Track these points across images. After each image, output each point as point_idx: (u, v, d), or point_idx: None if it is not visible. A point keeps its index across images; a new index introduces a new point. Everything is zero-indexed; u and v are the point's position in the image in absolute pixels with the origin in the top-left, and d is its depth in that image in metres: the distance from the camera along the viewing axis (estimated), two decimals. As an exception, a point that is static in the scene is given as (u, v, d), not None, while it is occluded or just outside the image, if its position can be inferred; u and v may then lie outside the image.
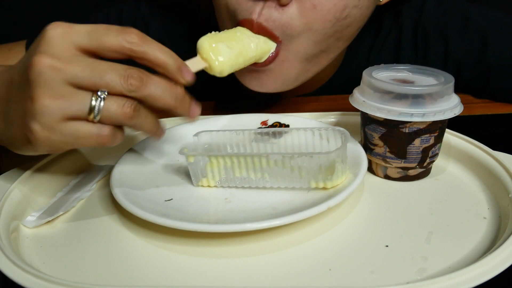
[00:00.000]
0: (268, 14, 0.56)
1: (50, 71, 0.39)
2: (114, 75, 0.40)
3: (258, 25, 0.56)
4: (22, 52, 0.79)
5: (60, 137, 0.41)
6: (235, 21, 0.59)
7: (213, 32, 0.53)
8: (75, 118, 0.41)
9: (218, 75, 0.51)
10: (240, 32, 0.56)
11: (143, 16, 0.80)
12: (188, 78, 0.44)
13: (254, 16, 0.56)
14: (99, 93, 0.40)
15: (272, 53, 0.59)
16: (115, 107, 0.41)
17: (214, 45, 0.50)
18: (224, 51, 0.51)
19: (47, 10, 1.19)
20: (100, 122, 0.41)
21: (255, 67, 0.60)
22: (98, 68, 0.40)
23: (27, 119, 0.41)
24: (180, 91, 0.43)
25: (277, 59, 0.60)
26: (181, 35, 0.80)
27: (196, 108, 0.45)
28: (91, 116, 0.41)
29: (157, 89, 0.42)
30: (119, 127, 0.43)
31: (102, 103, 0.40)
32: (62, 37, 0.41)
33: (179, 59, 0.44)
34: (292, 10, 0.57)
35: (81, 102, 0.40)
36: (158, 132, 0.46)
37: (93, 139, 0.42)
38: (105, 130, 0.42)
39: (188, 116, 0.45)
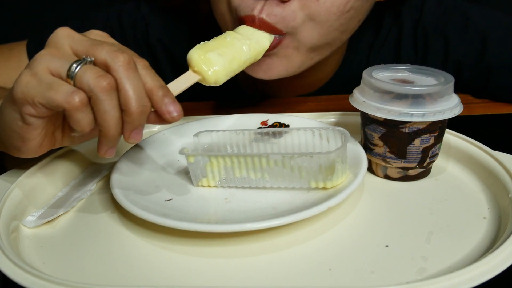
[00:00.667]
0: (270, 10, 0.57)
1: (63, 33, 0.43)
2: (108, 47, 0.42)
3: (260, 20, 0.57)
4: (23, 52, 0.78)
5: (37, 84, 0.41)
6: (237, 18, 0.60)
7: (202, 43, 0.52)
8: (58, 75, 0.42)
9: (213, 85, 0.51)
10: (230, 37, 0.55)
11: (144, 16, 0.80)
12: (175, 114, 0.44)
13: (256, 12, 0.57)
14: (84, 57, 0.42)
15: (276, 38, 0.59)
16: (93, 72, 0.40)
17: (203, 56, 0.50)
18: (216, 60, 0.50)
19: (47, 10, 1.19)
20: (76, 85, 0.41)
21: None
22: (96, 42, 0.42)
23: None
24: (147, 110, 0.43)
25: (282, 44, 0.60)
26: (181, 35, 0.80)
27: (137, 136, 0.43)
28: (69, 72, 0.41)
29: (133, 80, 0.41)
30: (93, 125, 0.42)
31: (79, 66, 0.41)
32: (67, 37, 0.43)
33: (165, 92, 0.43)
34: (294, 4, 0.57)
35: (67, 60, 0.42)
36: (110, 136, 0.42)
37: (62, 95, 0.40)
38: (77, 93, 0.40)
39: (127, 138, 0.43)
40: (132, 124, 0.42)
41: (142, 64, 0.43)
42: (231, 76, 0.53)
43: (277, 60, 0.62)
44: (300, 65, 0.64)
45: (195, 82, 0.49)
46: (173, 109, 0.43)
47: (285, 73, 0.64)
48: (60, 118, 0.47)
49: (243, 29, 0.57)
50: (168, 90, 0.44)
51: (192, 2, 0.78)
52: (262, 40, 0.57)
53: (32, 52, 0.78)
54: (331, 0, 0.57)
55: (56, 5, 1.19)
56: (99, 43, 0.42)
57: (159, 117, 0.44)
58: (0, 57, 0.78)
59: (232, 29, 0.61)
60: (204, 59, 0.49)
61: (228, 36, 0.55)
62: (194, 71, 0.49)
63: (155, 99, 0.43)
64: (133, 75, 0.41)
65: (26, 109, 0.42)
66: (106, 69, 0.41)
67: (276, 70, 0.63)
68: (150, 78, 0.43)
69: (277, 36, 0.59)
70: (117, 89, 0.41)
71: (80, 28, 0.80)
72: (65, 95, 0.40)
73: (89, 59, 0.42)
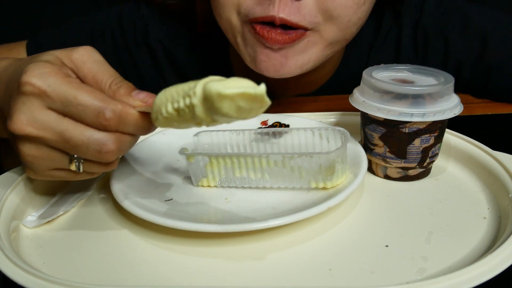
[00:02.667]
0: (287, 9, 0.57)
1: (27, 139, 0.40)
2: (88, 151, 0.40)
3: (280, 19, 0.57)
4: (22, 53, 0.78)
5: (51, 178, 0.44)
6: (247, 22, 0.60)
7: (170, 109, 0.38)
8: (61, 169, 0.43)
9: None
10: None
11: (143, 17, 0.80)
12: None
13: (274, 12, 0.57)
14: (75, 161, 0.42)
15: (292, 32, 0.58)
16: (96, 165, 0.43)
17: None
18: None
19: (47, 10, 1.19)
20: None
21: (279, 45, 0.59)
22: (71, 140, 0.40)
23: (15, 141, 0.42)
24: None
25: (303, 38, 0.60)
26: (181, 36, 0.80)
27: None
28: (75, 171, 0.43)
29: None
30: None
31: (81, 164, 0.42)
32: (37, 98, 0.39)
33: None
34: (308, 1, 0.57)
35: (62, 161, 0.42)
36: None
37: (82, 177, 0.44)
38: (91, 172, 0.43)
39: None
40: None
41: (111, 122, 0.40)
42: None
43: (294, 53, 0.61)
44: (315, 61, 0.64)
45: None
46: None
47: (299, 70, 0.63)
48: None
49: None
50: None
51: (191, 4, 0.78)
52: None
53: (31, 53, 0.78)
54: None
55: (56, 5, 1.19)
56: (75, 147, 0.40)
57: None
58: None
59: (239, 33, 0.61)
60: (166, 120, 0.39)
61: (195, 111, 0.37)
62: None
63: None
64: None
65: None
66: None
67: (290, 67, 0.62)
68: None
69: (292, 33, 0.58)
70: None
71: (81, 27, 0.81)
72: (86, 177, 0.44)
73: (81, 159, 0.42)
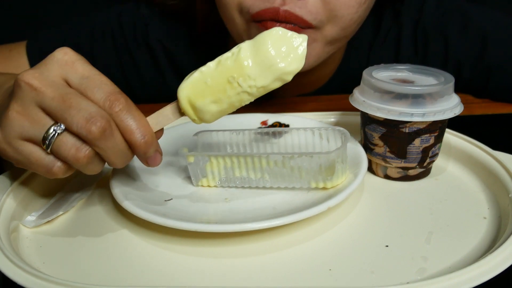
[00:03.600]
0: (291, 4, 0.57)
1: (27, 87, 0.39)
2: (78, 114, 0.38)
3: (284, 11, 0.57)
4: (22, 53, 0.78)
5: (14, 153, 0.41)
6: (249, 17, 0.59)
7: (198, 71, 0.42)
8: (32, 141, 0.40)
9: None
10: (229, 83, 0.42)
11: (143, 17, 0.80)
12: (153, 166, 0.43)
13: (278, 4, 0.57)
14: (55, 127, 0.39)
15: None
16: (68, 146, 0.39)
17: (192, 99, 0.42)
18: (207, 113, 0.43)
19: (47, 10, 1.19)
20: (53, 154, 0.40)
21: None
22: (68, 101, 0.39)
23: None
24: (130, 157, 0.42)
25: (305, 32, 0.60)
26: (181, 35, 0.80)
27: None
28: (44, 146, 0.40)
29: (112, 149, 0.40)
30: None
31: (55, 136, 0.39)
32: (61, 66, 0.40)
33: (151, 139, 0.41)
34: (313, 0, 0.57)
35: (40, 127, 0.40)
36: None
37: (43, 169, 0.41)
38: (56, 164, 0.40)
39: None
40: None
41: (121, 107, 0.40)
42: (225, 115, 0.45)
43: None
44: (316, 59, 0.64)
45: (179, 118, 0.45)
46: (152, 163, 0.43)
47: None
48: None
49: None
50: (150, 141, 0.41)
51: (190, 4, 0.78)
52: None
53: (31, 53, 0.78)
54: None
55: (56, 5, 1.19)
56: (67, 108, 0.39)
57: None
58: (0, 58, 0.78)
59: (244, 33, 0.60)
60: (194, 107, 0.42)
61: (230, 77, 0.42)
62: (182, 109, 0.43)
63: (137, 153, 0.42)
64: (111, 142, 0.40)
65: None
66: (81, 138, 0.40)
67: None
68: (129, 131, 0.40)
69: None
70: (99, 151, 0.40)
71: (81, 27, 0.81)
72: (45, 169, 0.41)
73: (59, 130, 0.39)
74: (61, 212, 0.48)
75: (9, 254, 0.39)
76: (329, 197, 0.44)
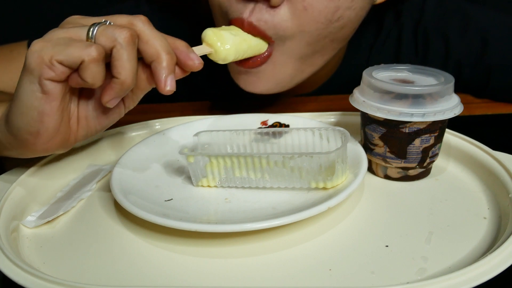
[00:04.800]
0: (259, 15, 0.57)
1: (69, 19, 0.47)
2: (122, 15, 0.46)
3: (249, 24, 0.57)
4: (23, 54, 0.78)
5: (54, 45, 0.42)
6: (227, 21, 0.60)
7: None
8: (77, 37, 0.43)
9: (221, 62, 0.53)
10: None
11: (143, 14, 0.80)
12: (197, 61, 0.46)
13: (245, 16, 0.57)
14: (103, 21, 0.44)
15: (264, 53, 0.59)
16: (115, 27, 0.43)
17: (217, 32, 0.53)
18: (228, 37, 0.53)
19: (47, 10, 1.19)
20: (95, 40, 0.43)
21: (246, 68, 0.60)
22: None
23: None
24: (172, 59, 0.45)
25: (269, 60, 0.60)
26: (181, 33, 0.80)
27: (172, 82, 0.45)
28: (88, 34, 0.43)
29: (158, 36, 0.44)
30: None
31: (99, 26, 0.43)
32: (76, 18, 0.47)
33: (185, 44, 0.47)
34: (283, 12, 0.57)
35: (85, 26, 0.44)
36: (127, 82, 0.44)
37: (80, 48, 0.41)
38: (95, 46, 0.42)
39: (163, 82, 0.45)
40: (165, 69, 0.44)
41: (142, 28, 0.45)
42: (238, 57, 0.55)
43: (265, 76, 0.62)
44: (290, 79, 0.64)
45: (207, 53, 0.52)
46: (195, 57, 0.46)
47: (275, 88, 0.64)
48: (75, 106, 0.47)
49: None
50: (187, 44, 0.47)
51: (191, 1, 0.78)
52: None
53: None
54: (318, 10, 0.56)
55: (56, 5, 1.19)
56: (114, 15, 0.45)
57: (179, 69, 0.47)
58: (0, 59, 0.78)
59: None
60: (218, 34, 0.53)
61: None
62: (207, 44, 0.52)
63: (177, 47, 0.46)
64: (155, 30, 0.45)
65: (44, 72, 0.42)
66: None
67: (264, 85, 0.63)
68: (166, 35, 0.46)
69: (265, 51, 0.59)
70: (142, 42, 0.44)
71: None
72: (84, 48, 0.41)
73: (109, 22, 0.44)
74: (61, 212, 0.48)
75: (9, 254, 0.39)
76: (329, 197, 0.44)
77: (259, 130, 0.54)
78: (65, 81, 0.43)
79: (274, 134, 0.55)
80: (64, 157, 0.55)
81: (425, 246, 0.42)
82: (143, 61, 0.45)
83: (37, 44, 0.43)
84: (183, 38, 0.80)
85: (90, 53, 0.41)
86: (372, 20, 0.75)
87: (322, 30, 0.59)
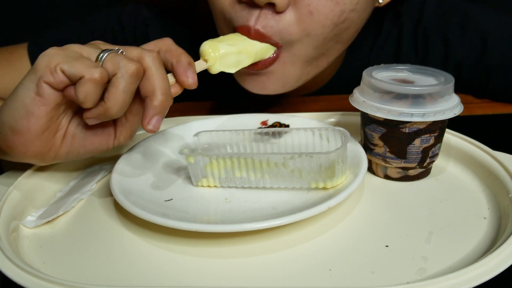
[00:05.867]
0: (265, 21, 0.57)
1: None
2: (137, 47, 0.46)
3: (255, 31, 0.57)
4: (24, 55, 0.78)
5: (65, 54, 0.43)
6: (232, 28, 0.60)
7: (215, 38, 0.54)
8: (88, 57, 0.44)
9: (214, 71, 0.53)
10: (242, 36, 0.57)
11: (144, 18, 0.80)
12: (190, 80, 0.47)
13: (251, 23, 0.57)
14: (116, 48, 0.45)
15: (273, 54, 0.59)
16: (123, 58, 0.43)
17: (213, 44, 0.52)
18: (223, 47, 0.53)
19: (47, 11, 1.19)
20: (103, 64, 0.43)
21: (255, 70, 0.60)
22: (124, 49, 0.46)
23: None
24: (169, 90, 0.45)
25: (278, 61, 0.60)
26: (181, 37, 0.80)
27: (157, 123, 0.45)
28: (99, 57, 0.43)
29: (161, 75, 0.44)
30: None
31: (110, 52, 0.44)
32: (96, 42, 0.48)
33: (189, 60, 0.47)
34: (288, 17, 0.57)
35: (98, 49, 0.45)
36: (110, 112, 0.43)
37: (85, 65, 0.42)
38: (99, 69, 0.42)
39: (147, 122, 0.44)
40: (154, 109, 0.44)
41: (172, 41, 0.49)
42: (238, 66, 0.55)
43: (274, 76, 0.62)
44: (297, 80, 0.64)
45: (203, 69, 0.52)
46: (191, 75, 0.46)
47: (282, 89, 0.64)
48: (66, 121, 0.47)
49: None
50: (192, 60, 0.48)
51: (192, 5, 0.78)
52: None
53: (33, 56, 0.78)
54: (324, 14, 0.57)
55: (56, 6, 1.19)
56: (129, 46, 0.46)
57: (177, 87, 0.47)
58: (0, 61, 0.78)
59: None
60: (214, 48, 0.52)
61: (239, 34, 0.57)
62: (203, 60, 0.52)
63: (182, 61, 0.47)
64: (162, 68, 0.45)
65: (45, 75, 0.42)
66: (138, 60, 0.44)
67: (273, 86, 0.63)
68: (175, 49, 0.48)
69: (273, 52, 0.59)
70: (144, 77, 0.44)
71: (82, 28, 0.81)
72: (89, 66, 0.42)
73: (121, 51, 0.45)
74: (61, 212, 0.48)
75: (9, 254, 0.39)
76: (329, 197, 0.44)
77: (259, 130, 0.54)
78: (62, 91, 0.44)
79: (274, 134, 0.55)
80: (64, 157, 0.55)
81: (425, 246, 0.42)
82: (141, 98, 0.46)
83: (51, 50, 0.44)
84: (183, 42, 0.80)
85: (92, 72, 0.41)
86: (372, 21, 0.75)
87: (328, 33, 0.59)
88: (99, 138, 0.48)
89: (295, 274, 0.40)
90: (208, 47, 0.52)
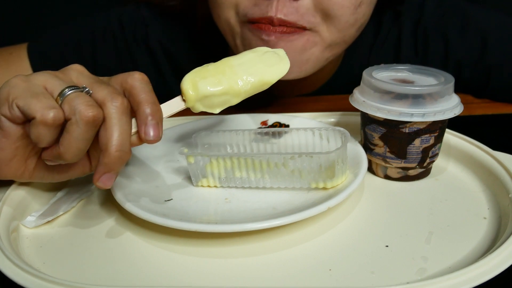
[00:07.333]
0: (285, 9, 0.57)
1: (68, 68, 0.44)
2: (110, 88, 0.42)
3: (278, 20, 0.57)
4: (23, 56, 0.78)
5: (25, 88, 0.40)
6: (245, 21, 0.60)
7: (200, 67, 0.47)
8: (50, 92, 0.41)
9: (197, 111, 0.47)
10: (229, 67, 0.47)
11: (144, 18, 0.80)
12: (152, 136, 0.42)
13: (272, 13, 0.57)
14: (83, 87, 0.42)
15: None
16: (83, 101, 0.39)
17: (193, 84, 0.45)
18: (205, 88, 0.45)
19: (47, 12, 1.19)
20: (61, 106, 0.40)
21: (276, 36, 0.58)
22: (103, 81, 0.43)
23: None
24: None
25: (301, 35, 0.59)
26: (180, 37, 0.80)
27: (107, 181, 0.41)
28: (60, 93, 0.40)
29: (120, 128, 0.40)
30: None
31: (74, 91, 0.40)
32: (74, 69, 0.44)
33: (153, 110, 0.42)
34: (306, 2, 0.57)
35: (65, 83, 0.41)
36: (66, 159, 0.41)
37: (40, 105, 0.39)
38: (54, 110, 0.39)
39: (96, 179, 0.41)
40: (106, 166, 0.40)
41: (140, 78, 0.43)
42: (224, 106, 0.47)
43: (295, 45, 0.60)
44: (314, 65, 0.64)
45: (181, 110, 0.46)
46: (152, 131, 0.41)
47: (298, 74, 0.63)
48: (38, 149, 0.45)
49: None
50: (157, 109, 0.42)
51: (191, 5, 0.78)
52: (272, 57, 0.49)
53: (33, 56, 0.78)
54: None
55: (56, 6, 1.19)
56: (105, 83, 0.42)
57: (137, 138, 0.43)
58: (0, 62, 0.78)
59: (239, 33, 0.61)
60: (194, 84, 0.45)
61: (226, 65, 0.47)
62: (184, 98, 0.46)
63: (141, 113, 0.41)
64: (125, 120, 0.41)
65: (2, 109, 0.41)
66: (100, 105, 0.40)
67: (291, 72, 0.61)
68: (145, 93, 0.42)
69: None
70: (102, 126, 0.40)
71: (82, 29, 0.81)
72: (44, 107, 0.39)
73: (87, 90, 0.41)
74: (61, 212, 0.48)
75: (9, 254, 0.39)
76: (329, 197, 0.44)
77: (259, 130, 0.54)
78: (23, 124, 0.42)
79: (274, 134, 0.55)
80: (64, 157, 0.55)
81: (425, 246, 0.42)
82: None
83: (15, 80, 0.41)
84: (183, 43, 0.80)
85: (45, 115, 0.39)
86: (371, 20, 0.75)
87: (349, 16, 0.59)
88: (74, 165, 0.46)
89: (295, 274, 0.40)
90: (187, 86, 0.45)
